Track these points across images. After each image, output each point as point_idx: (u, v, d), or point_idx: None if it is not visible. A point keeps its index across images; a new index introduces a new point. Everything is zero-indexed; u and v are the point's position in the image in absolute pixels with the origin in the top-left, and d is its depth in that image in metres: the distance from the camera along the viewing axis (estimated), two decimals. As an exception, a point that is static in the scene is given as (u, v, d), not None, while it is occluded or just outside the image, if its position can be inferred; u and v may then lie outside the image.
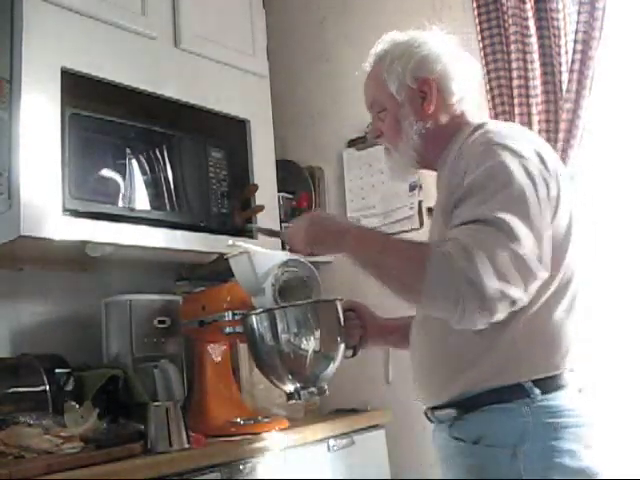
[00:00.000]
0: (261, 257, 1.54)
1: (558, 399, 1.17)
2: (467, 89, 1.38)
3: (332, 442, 1.83)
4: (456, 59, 1.38)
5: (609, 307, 1.91)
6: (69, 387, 1.68)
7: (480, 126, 1.31)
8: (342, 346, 1.47)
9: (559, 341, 1.20)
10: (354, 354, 1.54)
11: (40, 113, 1.61)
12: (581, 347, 1.23)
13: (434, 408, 1.29)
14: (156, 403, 1.60)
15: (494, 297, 1.08)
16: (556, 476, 1.13)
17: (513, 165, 1.16)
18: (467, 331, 1.17)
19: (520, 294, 1.10)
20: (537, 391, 1.16)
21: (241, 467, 1.56)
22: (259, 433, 1.69)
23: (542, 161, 1.20)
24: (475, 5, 2.13)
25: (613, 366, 1.87)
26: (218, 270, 1.91)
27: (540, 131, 1.97)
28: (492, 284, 1.07)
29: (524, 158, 1.18)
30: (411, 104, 1.35)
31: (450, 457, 1.26)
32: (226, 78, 2.10)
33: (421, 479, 2.11)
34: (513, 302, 1.11)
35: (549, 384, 1.17)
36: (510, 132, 1.26)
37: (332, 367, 1.45)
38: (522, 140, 1.23)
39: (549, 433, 1.14)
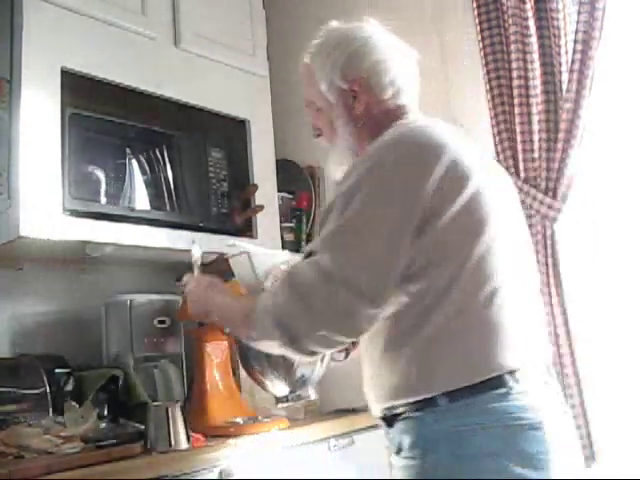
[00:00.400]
0: (261, 257, 1.53)
1: (472, 405, 1.11)
2: (404, 82, 1.33)
3: (332, 442, 1.83)
4: (390, 52, 1.34)
5: (609, 307, 1.91)
6: (69, 387, 1.68)
7: (390, 126, 1.26)
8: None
9: (474, 352, 1.13)
10: (346, 356, 1.53)
11: (40, 113, 1.61)
12: (519, 348, 1.15)
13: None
14: (156, 403, 1.60)
15: (303, 336, 1.12)
16: None
17: (367, 186, 1.14)
18: (388, 347, 1.18)
19: (334, 331, 1.12)
20: (444, 401, 1.12)
21: (241, 467, 1.56)
22: (259, 433, 1.69)
23: (425, 170, 1.13)
24: (475, 5, 2.13)
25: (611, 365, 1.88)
26: (218, 270, 1.90)
27: (540, 131, 1.97)
28: (300, 324, 1.12)
29: (386, 175, 1.14)
30: (343, 104, 1.33)
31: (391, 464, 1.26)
32: (226, 78, 2.10)
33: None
34: (325, 337, 1.13)
35: (463, 391, 1.11)
36: (399, 137, 1.21)
37: (319, 370, 1.45)
38: (404, 150, 1.17)
39: (459, 439, 1.11)
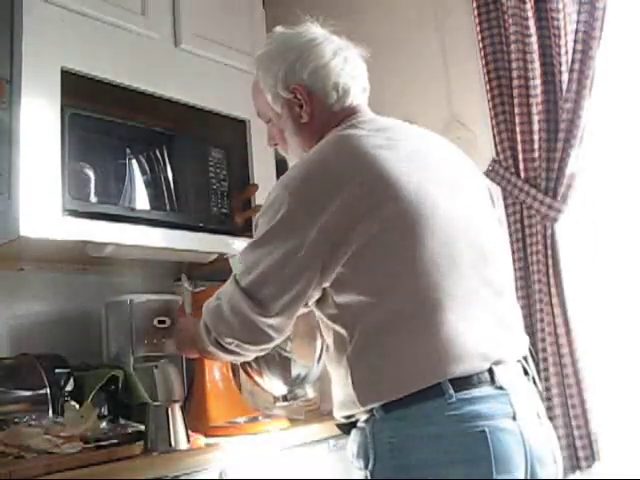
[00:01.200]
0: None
1: (407, 416, 1.10)
2: (350, 83, 1.32)
3: (332, 442, 1.82)
4: (332, 55, 1.31)
5: (609, 307, 1.91)
6: (69, 387, 1.68)
7: (330, 132, 1.27)
8: (325, 346, 1.47)
9: (405, 363, 1.11)
10: None
11: (40, 113, 1.61)
12: (466, 354, 1.11)
13: None
14: (156, 403, 1.60)
15: (221, 340, 1.24)
16: None
17: (276, 208, 1.16)
18: (333, 358, 1.20)
19: (239, 339, 1.21)
20: (381, 412, 1.11)
21: (241, 467, 1.56)
22: (259, 433, 1.69)
23: (330, 195, 1.13)
24: (475, 5, 2.13)
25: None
26: (218, 270, 1.90)
27: (540, 131, 1.97)
28: (217, 329, 1.24)
29: (295, 197, 1.15)
30: (289, 114, 1.32)
31: None
32: (226, 78, 2.10)
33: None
34: (236, 345, 1.22)
35: (397, 402, 1.10)
36: (314, 158, 1.21)
37: (316, 369, 1.46)
38: (313, 173, 1.18)
39: (392, 451, 1.10)
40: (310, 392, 1.48)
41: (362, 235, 1.11)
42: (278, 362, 1.43)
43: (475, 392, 1.09)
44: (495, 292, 1.20)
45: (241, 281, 1.20)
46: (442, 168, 1.26)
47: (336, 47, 1.34)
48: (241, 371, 2.02)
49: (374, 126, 1.26)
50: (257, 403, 1.98)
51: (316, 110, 1.31)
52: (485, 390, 1.10)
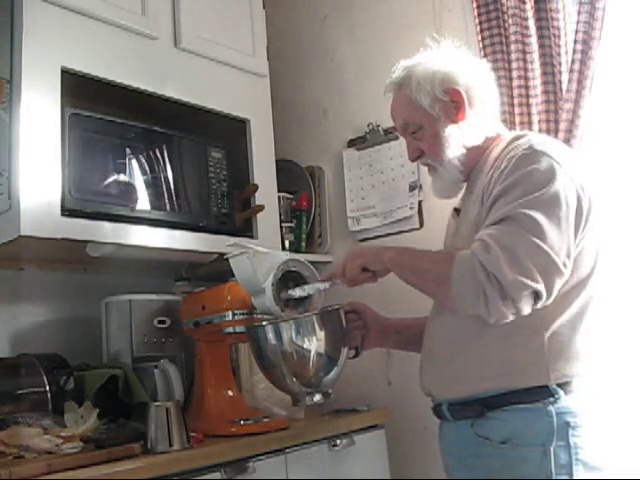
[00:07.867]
0: (261, 257, 1.54)
1: (573, 400, 1.22)
2: (492, 97, 1.45)
3: (332, 442, 1.83)
4: (474, 69, 1.43)
5: (609, 307, 1.91)
6: (69, 387, 1.68)
7: (521, 136, 1.37)
8: (345, 350, 1.48)
9: (580, 350, 1.26)
10: (357, 355, 1.56)
11: (40, 113, 1.61)
12: (593, 352, 1.29)
13: (452, 404, 1.31)
14: (156, 403, 1.60)
15: (513, 286, 1.15)
16: (580, 471, 1.19)
17: (550, 171, 1.23)
18: (498, 331, 1.23)
19: (540, 285, 1.17)
20: (561, 392, 1.22)
21: (241, 467, 1.56)
22: (259, 433, 1.69)
23: (577, 175, 1.26)
24: (475, 5, 2.13)
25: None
26: (218, 270, 1.90)
27: (540, 131, 1.97)
28: (509, 274, 1.15)
29: (561, 166, 1.24)
30: (446, 115, 1.40)
31: (471, 456, 1.28)
32: (226, 78, 2.10)
33: (421, 479, 2.11)
34: (534, 293, 1.17)
35: (568, 386, 1.24)
36: (550, 143, 1.33)
37: (336, 371, 1.47)
38: (561, 152, 1.29)
39: (569, 431, 1.20)
40: (332, 393, 1.49)
41: (585, 231, 1.30)
42: (299, 366, 1.43)
43: None
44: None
45: (544, 233, 1.24)
46: None
47: (476, 62, 1.50)
48: (241, 370, 2.03)
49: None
50: (257, 404, 1.98)
51: (471, 113, 1.42)
52: None
